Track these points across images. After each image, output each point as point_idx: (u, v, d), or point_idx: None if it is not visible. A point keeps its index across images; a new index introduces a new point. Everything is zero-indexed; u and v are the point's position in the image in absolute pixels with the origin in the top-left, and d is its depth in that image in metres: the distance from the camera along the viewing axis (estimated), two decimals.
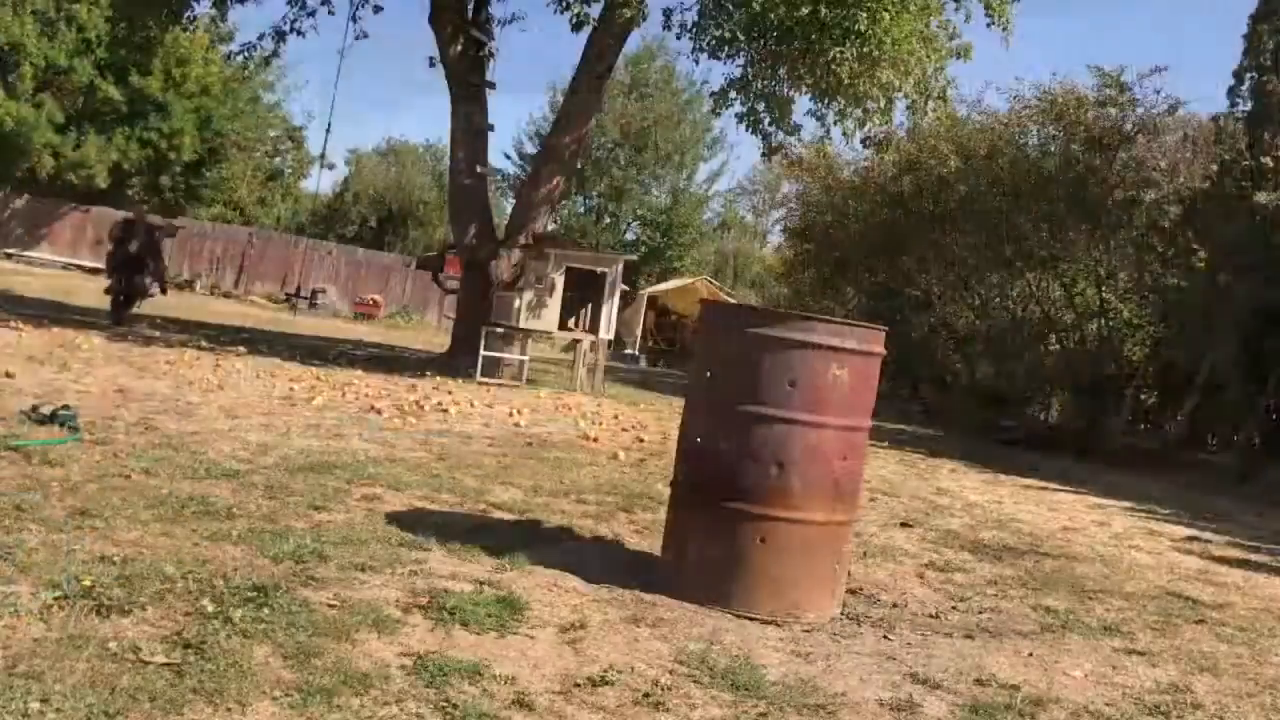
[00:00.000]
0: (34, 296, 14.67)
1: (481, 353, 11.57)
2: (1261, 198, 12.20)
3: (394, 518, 4.18)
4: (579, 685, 2.69)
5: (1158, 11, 71.63)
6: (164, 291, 13.35)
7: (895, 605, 4.03)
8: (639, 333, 27.08)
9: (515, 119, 46.86)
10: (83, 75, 26.05)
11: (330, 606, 2.97)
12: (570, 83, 13.53)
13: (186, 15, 15.14)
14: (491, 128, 13.36)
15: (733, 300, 27.77)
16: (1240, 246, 13.03)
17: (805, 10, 10.23)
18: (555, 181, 13.22)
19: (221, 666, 2.42)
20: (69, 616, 2.59)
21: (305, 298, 25.69)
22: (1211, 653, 3.88)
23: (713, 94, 12.47)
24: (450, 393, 9.72)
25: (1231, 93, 15.64)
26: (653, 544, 4.40)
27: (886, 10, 10.32)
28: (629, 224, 37.62)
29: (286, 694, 2.35)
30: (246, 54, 15.23)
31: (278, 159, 35.57)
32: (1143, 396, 16.00)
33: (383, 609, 3.01)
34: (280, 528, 3.72)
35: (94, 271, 25.45)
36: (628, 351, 25.92)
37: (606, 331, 12.71)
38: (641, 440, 8.22)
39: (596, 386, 12.64)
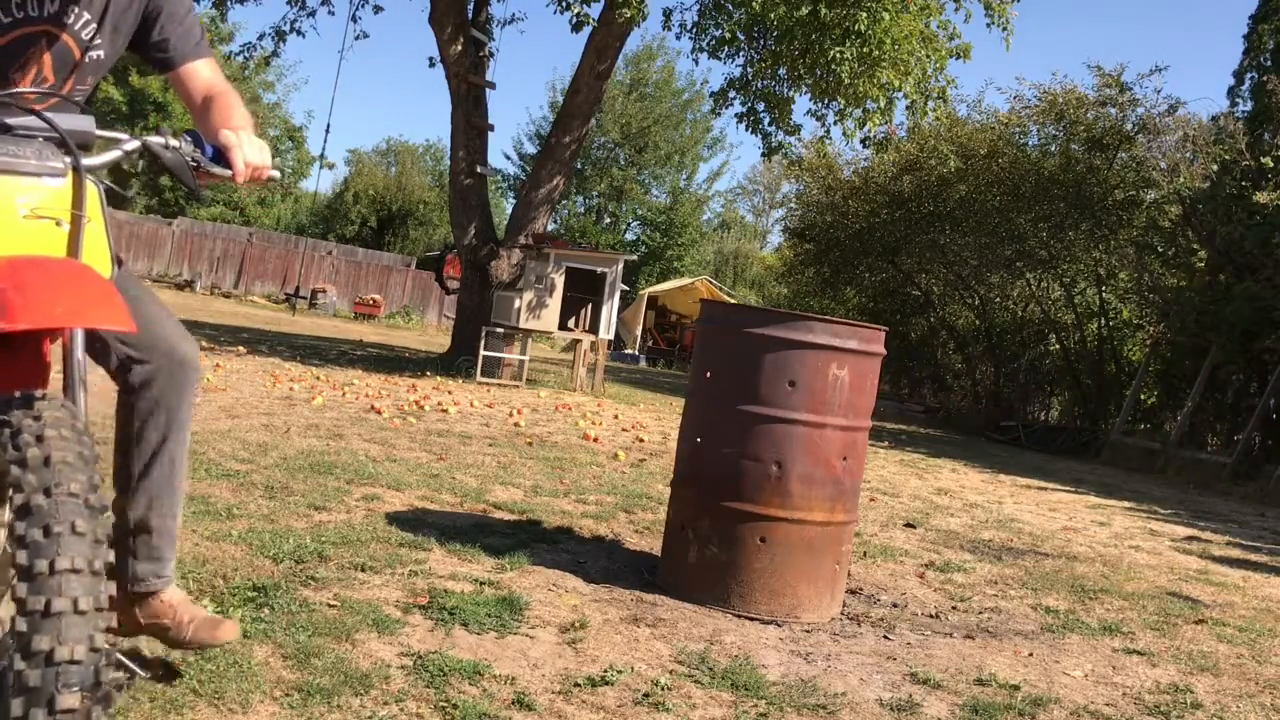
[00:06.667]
0: None
1: (481, 353, 11.58)
2: (1261, 198, 12.20)
3: (394, 518, 4.18)
4: (579, 685, 2.69)
5: (1158, 11, 71.63)
6: None
7: (895, 605, 4.03)
8: (639, 333, 27.06)
9: (515, 119, 46.91)
10: None
11: (330, 606, 2.97)
12: (570, 83, 13.54)
13: None
14: (491, 128, 13.37)
15: (733, 300, 27.78)
16: (1240, 246, 13.03)
17: (805, 10, 10.23)
18: (555, 181, 13.23)
19: (221, 667, 2.41)
20: None
21: (305, 298, 25.69)
22: (1211, 653, 3.88)
23: (713, 94, 12.49)
24: (450, 393, 9.73)
25: (1231, 93, 15.67)
26: (653, 544, 4.40)
27: (886, 10, 10.33)
28: (629, 224, 37.64)
29: (287, 694, 2.35)
30: (246, 54, 15.25)
31: (277, 159, 35.61)
32: (1142, 396, 15.99)
33: (383, 609, 3.01)
34: (280, 528, 3.72)
35: None
36: (628, 351, 25.92)
37: (606, 331, 12.72)
38: (641, 440, 8.22)
39: (596, 386, 12.64)
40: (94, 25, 2.10)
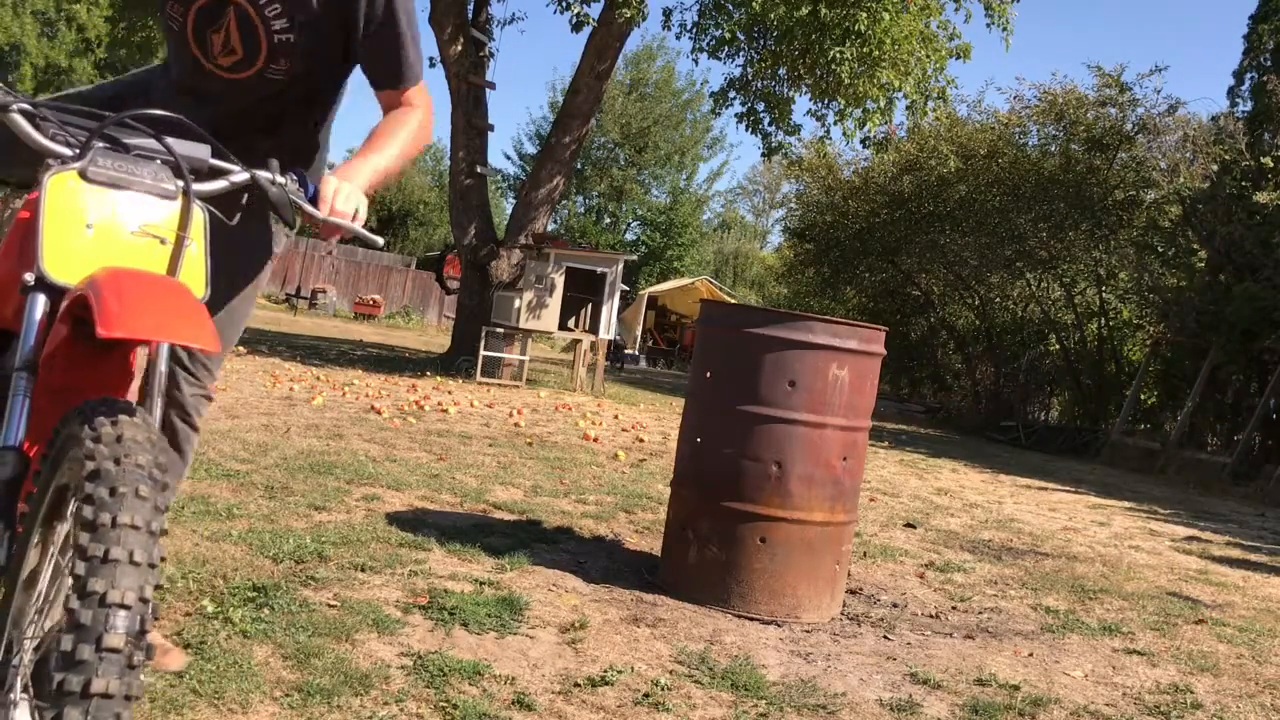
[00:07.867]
0: None
1: (481, 353, 11.58)
2: (1261, 198, 12.20)
3: (394, 518, 4.18)
4: (579, 685, 2.69)
5: (1158, 11, 71.66)
6: None
7: (895, 605, 4.03)
8: (639, 332, 27.06)
9: (515, 119, 46.86)
10: (82, 75, 26.06)
11: (330, 606, 2.97)
12: (570, 83, 13.54)
13: None
14: (491, 128, 13.37)
15: (733, 300, 27.78)
16: (1240, 246, 13.03)
17: (805, 10, 10.24)
18: (555, 181, 13.23)
19: (222, 667, 2.42)
20: None
21: (305, 298, 25.69)
22: (1211, 653, 3.88)
23: (713, 94, 12.50)
24: (450, 393, 9.73)
25: (1231, 93, 15.68)
26: (653, 544, 4.40)
27: (886, 10, 10.33)
28: (629, 224, 37.64)
29: (287, 694, 2.35)
30: None
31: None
32: (1143, 396, 15.99)
33: (383, 609, 3.01)
34: (280, 528, 3.72)
35: None
36: (628, 351, 25.93)
37: (606, 331, 12.72)
38: (641, 440, 8.22)
39: (596, 386, 12.64)
40: (277, 6, 2.15)
